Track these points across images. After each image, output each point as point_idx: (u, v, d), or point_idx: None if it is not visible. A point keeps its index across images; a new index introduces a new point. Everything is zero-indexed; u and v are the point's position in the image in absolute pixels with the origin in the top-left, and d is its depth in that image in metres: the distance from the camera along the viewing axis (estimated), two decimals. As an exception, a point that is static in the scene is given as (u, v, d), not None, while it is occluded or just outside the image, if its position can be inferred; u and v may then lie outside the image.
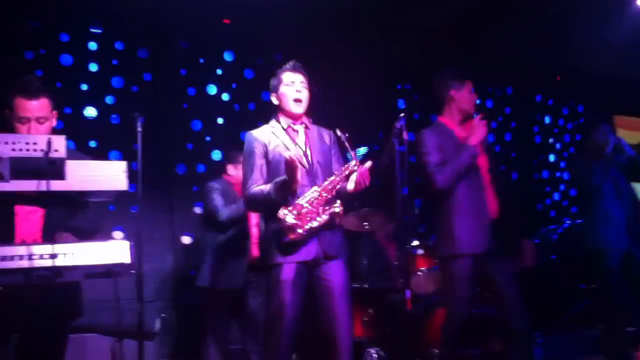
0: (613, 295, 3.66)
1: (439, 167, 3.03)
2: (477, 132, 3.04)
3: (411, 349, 3.74)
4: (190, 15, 4.70)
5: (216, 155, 5.04)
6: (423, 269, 4.10)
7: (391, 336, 3.94)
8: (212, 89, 5.21)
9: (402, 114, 3.03)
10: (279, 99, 2.78)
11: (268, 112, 2.91)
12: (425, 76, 6.02)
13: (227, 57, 5.30)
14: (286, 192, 2.53)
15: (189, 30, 4.99)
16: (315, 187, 2.58)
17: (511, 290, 2.99)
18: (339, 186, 2.61)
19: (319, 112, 2.96)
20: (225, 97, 5.25)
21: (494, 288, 3.04)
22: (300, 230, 2.50)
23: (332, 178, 2.60)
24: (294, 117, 2.77)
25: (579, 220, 5.06)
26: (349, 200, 2.68)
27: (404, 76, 6.16)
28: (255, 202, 2.67)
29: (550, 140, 7.26)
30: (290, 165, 2.45)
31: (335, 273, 2.60)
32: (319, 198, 2.56)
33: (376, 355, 3.73)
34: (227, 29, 5.10)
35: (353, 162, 2.60)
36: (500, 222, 3.09)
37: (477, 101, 3.25)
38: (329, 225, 2.58)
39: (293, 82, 2.75)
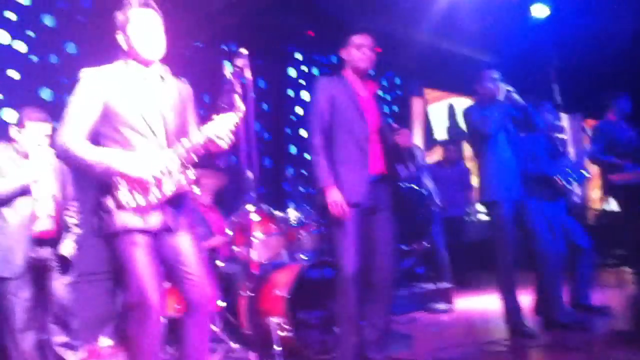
0: (506, 245, 3.59)
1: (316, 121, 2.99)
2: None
3: (250, 319, 3.51)
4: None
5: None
6: (259, 235, 3.78)
7: (229, 308, 3.76)
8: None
9: (243, 51, 2.46)
10: (126, 40, 2.29)
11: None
12: (255, 36, 5.73)
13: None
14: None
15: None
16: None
17: (388, 247, 3.00)
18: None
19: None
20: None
21: (370, 242, 2.97)
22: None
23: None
24: (145, 63, 2.32)
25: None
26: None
27: (230, 35, 5.71)
28: None
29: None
30: None
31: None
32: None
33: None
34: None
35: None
36: (387, 177, 3.04)
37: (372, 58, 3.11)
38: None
39: (144, 20, 2.28)
